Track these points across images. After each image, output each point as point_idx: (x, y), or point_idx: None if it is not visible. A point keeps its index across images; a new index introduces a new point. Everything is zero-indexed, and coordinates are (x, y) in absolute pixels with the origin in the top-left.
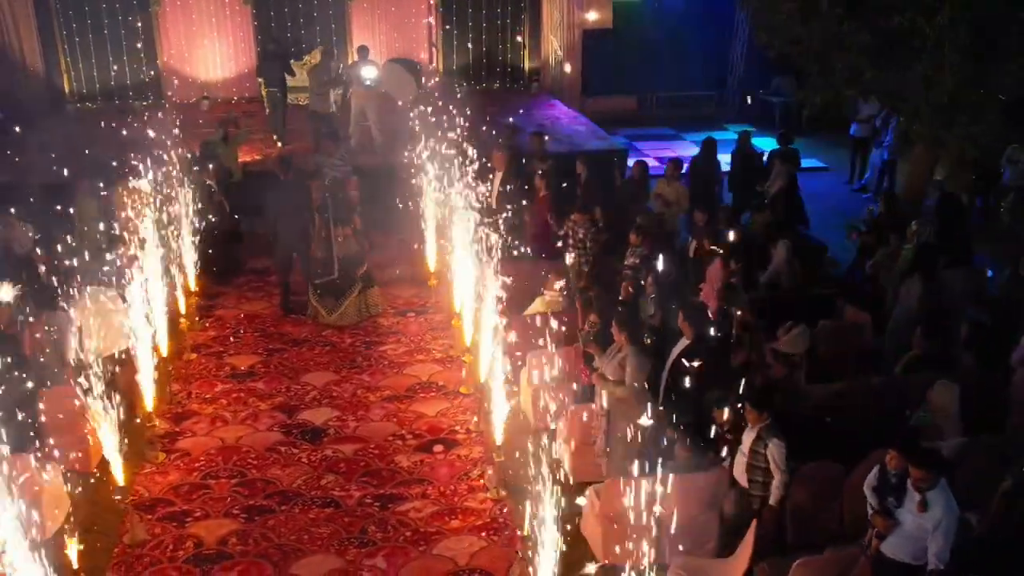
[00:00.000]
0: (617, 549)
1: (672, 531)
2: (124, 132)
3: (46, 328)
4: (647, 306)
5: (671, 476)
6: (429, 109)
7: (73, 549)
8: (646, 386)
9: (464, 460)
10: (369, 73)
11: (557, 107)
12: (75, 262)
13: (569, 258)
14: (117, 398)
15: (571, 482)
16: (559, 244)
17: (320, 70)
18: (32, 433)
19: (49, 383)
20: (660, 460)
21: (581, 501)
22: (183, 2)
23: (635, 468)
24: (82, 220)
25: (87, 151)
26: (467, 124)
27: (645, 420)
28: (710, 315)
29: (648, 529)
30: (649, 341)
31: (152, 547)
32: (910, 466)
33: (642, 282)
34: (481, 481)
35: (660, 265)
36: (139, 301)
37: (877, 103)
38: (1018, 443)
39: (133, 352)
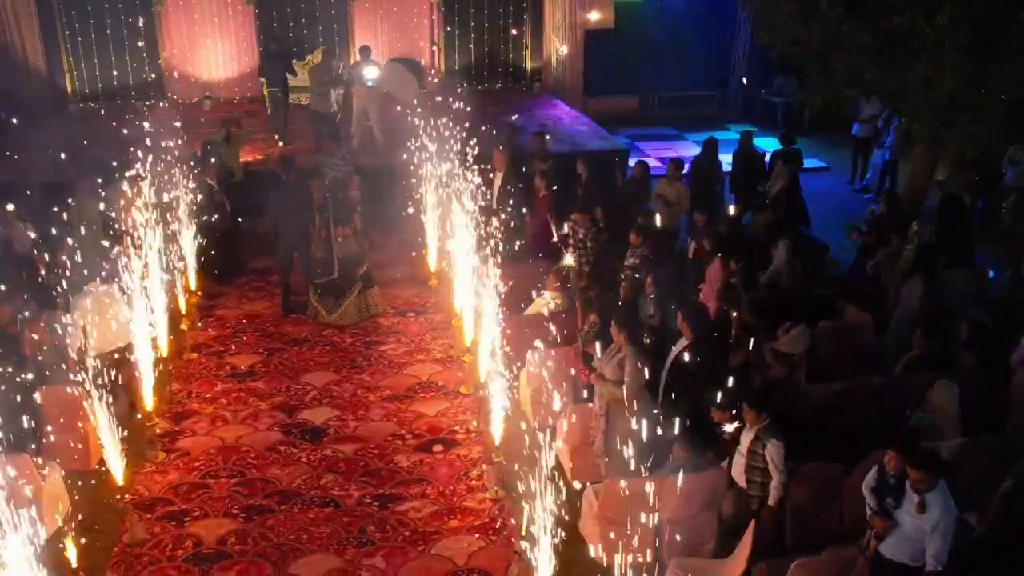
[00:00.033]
0: (615, 549)
1: (670, 531)
2: (125, 132)
3: (45, 327)
4: (646, 306)
5: (669, 476)
6: (430, 109)
7: (72, 548)
8: (645, 386)
9: (463, 460)
10: (371, 73)
11: (559, 107)
12: (76, 260)
13: (570, 259)
14: (117, 397)
15: (570, 482)
16: (554, 242)
17: (321, 70)
18: (32, 432)
19: (49, 382)
20: (659, 460)
21: (587, 494)
22: (185, 2)
23: (634, 468)
24: (82, 219)
25: (88, 150)
26: (468, 124)
27: (644, 420)
28: (710, 315)
29: (646, 529)
30: (648, 341)
31: (151, 546)
32: (908, 468)
33: (641, 283)
34: (480, 481)
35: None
36: (139, 298)
37: (879, 103)
38: (1018, 444)
39: (133, 350)
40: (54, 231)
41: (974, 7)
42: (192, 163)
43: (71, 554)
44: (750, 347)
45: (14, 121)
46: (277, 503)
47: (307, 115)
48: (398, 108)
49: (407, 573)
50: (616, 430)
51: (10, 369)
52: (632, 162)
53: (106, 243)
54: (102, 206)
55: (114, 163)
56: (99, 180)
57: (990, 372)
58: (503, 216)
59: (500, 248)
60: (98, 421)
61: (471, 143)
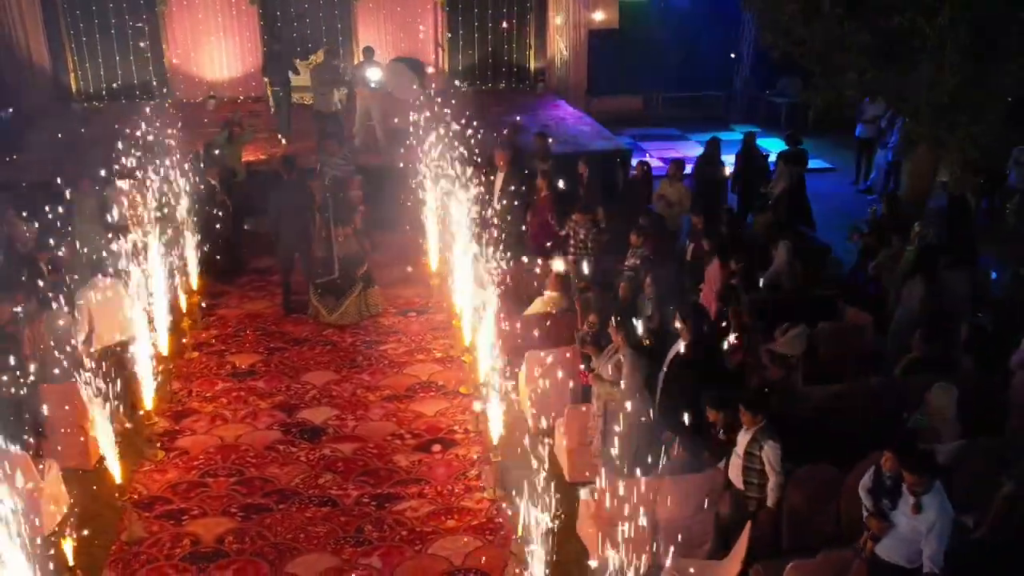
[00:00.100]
0: (612, 550)
1: (667, 532)
2: (129, 131)
3: (45, 325)
4: (645, 307)
5: (667, 477)
6: (432, 109)
7: (70, 546)
8: (643, 387)
9: (462, 460)
10: (374, 75)
11: (562, 107)
12: (77, 259)
13: (559, 264)
14: (117, 396)
15: (567, 482)
16: (549, 244)
17: (323, 69)
18: (32, 430)
19: (49, 380)
20: (656, 461)
21: (584, 495)
22: (190, 1)
23: (631, 469)
24: (83, 219)
25: (91, 149)
26: (471, 124)
27: (642, 421)
28: (710, 316)
29: (643, 530)
30: (647, 342)
31: (149, 545)
32: (903, 470)
33: (641, 283)
34: (478, 481)
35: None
36: (141, 295)
37: (883, 104)
38: (1017, 446)
39: (134, 346)
40: (55, 230)
41: (974, 7)
42: (195, 162)
43: (69, 552)
44: (747, 348)
45: (14, 120)
46: (275, 502)
47: (311, 115)
48: (398, 114)
49: (404, 573)
50: (614, 431)
51: (10, 365)
52: (634, 162)
53: (107, 242)
54: (104, 206)
55: (115, 163)
56: (100, 179)
57: (989, 374)
58: (504, 216)
59: (500, 248)
60: (98, 420)
61: (473, 143)
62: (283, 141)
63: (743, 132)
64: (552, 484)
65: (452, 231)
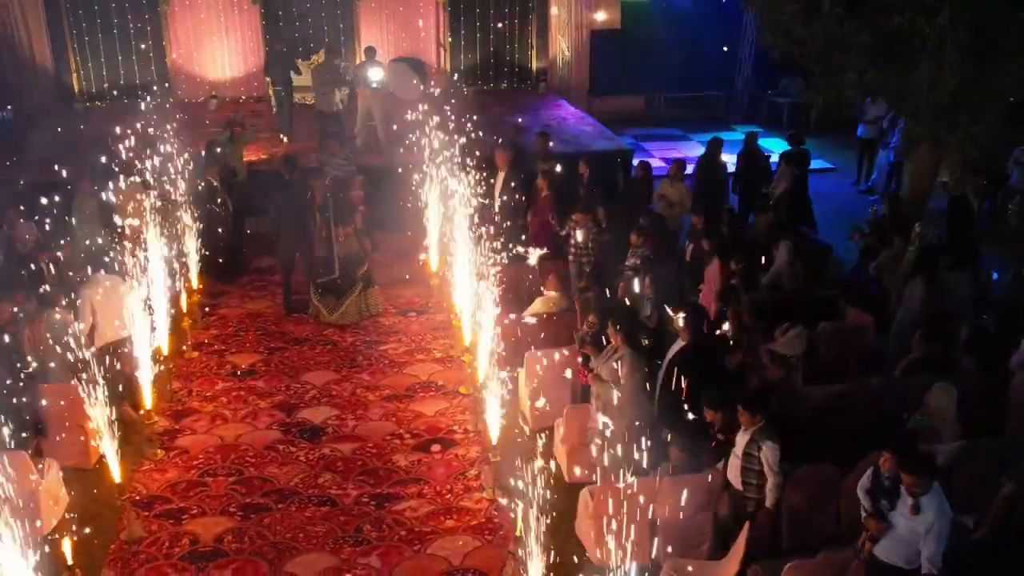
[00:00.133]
0: (611, 550)
1: (666, 532)
2: (131, 131)
3: (45, 325)
4: (645, 307)
5: (666, 477)
6: (434, 109)
7: (70, 545)
8: (642, 387)
9: (461, 460)
10: (376, 75)
11: (564, 107)
12: (77, 258)
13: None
14: (117, 396)
15: (566, 482)
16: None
17: (324, 69)
18: (31, 429)
19: (49, 379)
20: (655, 461)
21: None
22: (192, 1)
23: (630, 469)
24: (83, 219)
25: (92, 149)
26: (472, 124)
27: (640, 421)
28: (710, 317)
29: (642, 530)
30: (646, 343)
31: (148, 544)
32: (901, 471)
33: (640, 283)
34: (478, 481)
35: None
36: (142, 294)
37: (884, 104)
38: (1017, 447)
39: (135, 344)
40: (56, 230)
41: (974, 7)
42: (196, 162)
43: (68, 551)
44: (746, 348)
45: (17, 119)
46: (274, 502)
47: (312, 115)
48: (399, 114)
49: (403, 572)
50: (613, 431)
51: (10, 364)
52: (635, 162)
53: (107, 242)
54: (104, 206)
55: (116, 162)
56: (101, 179)
57: (989, 375)
58: (504, 216)
59: (501, 248)
60: (97, 419)
61: (474, 143)
62: (284, 141)
63: (744, 132)
64: (551, 484)
65: (453, 231)
